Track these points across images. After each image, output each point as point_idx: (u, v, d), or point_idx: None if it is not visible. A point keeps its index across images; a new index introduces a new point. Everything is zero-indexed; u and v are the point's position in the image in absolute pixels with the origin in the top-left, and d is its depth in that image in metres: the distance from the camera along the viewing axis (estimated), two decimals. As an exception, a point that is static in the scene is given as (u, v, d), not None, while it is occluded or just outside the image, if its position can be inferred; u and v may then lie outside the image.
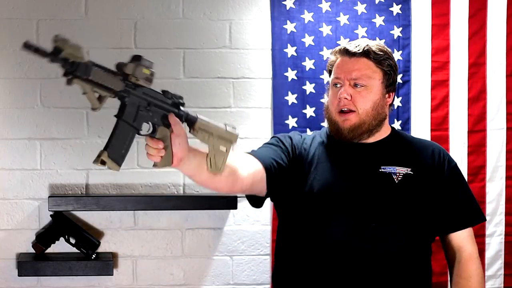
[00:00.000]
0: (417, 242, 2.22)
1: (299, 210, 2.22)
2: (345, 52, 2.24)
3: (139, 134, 1.75)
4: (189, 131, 1.82)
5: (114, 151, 1.72)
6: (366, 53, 2.22)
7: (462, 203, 2.31)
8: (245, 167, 2.06)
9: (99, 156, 1.70)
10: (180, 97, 1.81)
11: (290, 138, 2.29)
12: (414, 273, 2.21)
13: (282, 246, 2.30)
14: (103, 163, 1.70)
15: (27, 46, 1.55)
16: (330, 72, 2.30)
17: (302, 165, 2.24)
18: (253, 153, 2.19)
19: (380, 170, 2.23)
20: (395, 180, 2.21)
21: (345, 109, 2.21)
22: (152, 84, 1.72)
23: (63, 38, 1.58)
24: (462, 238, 2.29)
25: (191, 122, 1.84)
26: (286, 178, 2.20)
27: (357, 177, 2.22)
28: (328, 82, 2.32)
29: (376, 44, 2.26)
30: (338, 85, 2.23)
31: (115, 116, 1.72)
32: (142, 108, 1.74)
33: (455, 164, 2.34)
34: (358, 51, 2.22)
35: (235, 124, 2.05)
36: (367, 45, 2.24)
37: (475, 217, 2.34)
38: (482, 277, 2.28)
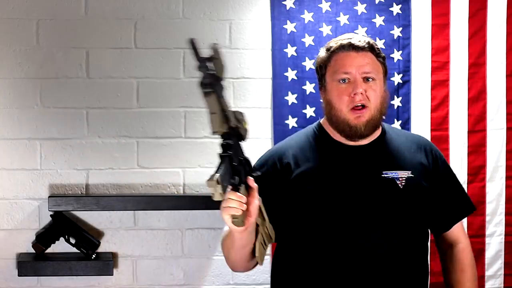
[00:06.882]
0: (420, 244, 2.23)
1: (301, 222, 2.17)
2: (351, 47, 2.16)
3: (233, 162, 1.81)
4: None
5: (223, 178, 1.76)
6: (372, 48, 2.18)
7: (457, 196, 2.33)
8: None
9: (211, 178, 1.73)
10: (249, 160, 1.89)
11: (270, 172, 2.20)
12: (417, 275, 2.21)
13: (284, 256, 2.28)
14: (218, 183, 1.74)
15: (192, 43, 1.61)
16: (321, 69, 2.22)
17: (296, 180, 2.17)
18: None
19: (383, 175, 2.18)
20: (400, 185, 2.18)
21: (359, 104, 2.13)
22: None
23: (219, 50, 1.62)
24: (458, 231, 2.33)
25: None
26: (282, 204, 2.17)
27: (360, 185, 2.16)
28: (322, 81, 2.23)
29: (369, 38, 2.22)
30: (346, 81, 2.15)
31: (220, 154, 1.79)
32: (236, 161, 1.81)
33: (444, 157, 2.34)
34: (365, 46, 2.17)
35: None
36: (369, 39, 2.20)
37: (468, 208, 2.36)
38: (475, 267, 2.33)
